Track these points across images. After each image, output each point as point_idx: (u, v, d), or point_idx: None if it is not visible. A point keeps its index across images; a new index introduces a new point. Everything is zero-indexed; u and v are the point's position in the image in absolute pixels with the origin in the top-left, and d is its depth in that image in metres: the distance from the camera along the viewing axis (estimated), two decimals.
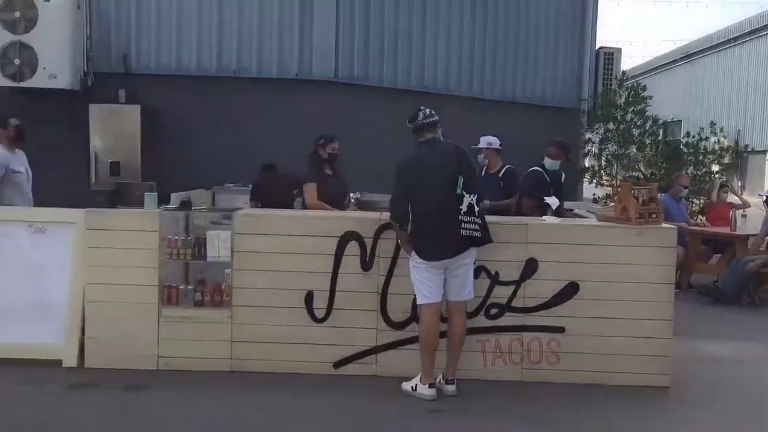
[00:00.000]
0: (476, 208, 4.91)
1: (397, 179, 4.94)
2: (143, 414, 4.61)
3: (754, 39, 24.84)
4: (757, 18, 24.87)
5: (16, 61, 9.12)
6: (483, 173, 7.15)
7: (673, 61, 29.77)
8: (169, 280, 5.61)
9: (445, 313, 5.12)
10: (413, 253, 4.96)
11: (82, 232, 5.46)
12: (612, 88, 12.87)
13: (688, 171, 11.47)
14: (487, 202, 6.01)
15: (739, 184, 21.87)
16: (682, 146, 12.51)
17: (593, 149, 12.62)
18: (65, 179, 9.23)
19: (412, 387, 5.04)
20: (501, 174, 6.91)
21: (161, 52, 10.05)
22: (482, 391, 5.14)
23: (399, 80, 10.91)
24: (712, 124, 13.35)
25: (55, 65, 9.21)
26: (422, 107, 5.12)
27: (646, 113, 12.21)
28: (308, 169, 6.50)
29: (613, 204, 5.85)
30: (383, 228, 5.39)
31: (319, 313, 5.42)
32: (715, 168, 12.76)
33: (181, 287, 5.54)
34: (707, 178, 11.88)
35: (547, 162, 6.80)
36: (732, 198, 9.99)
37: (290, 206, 7.84)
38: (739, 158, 21.56)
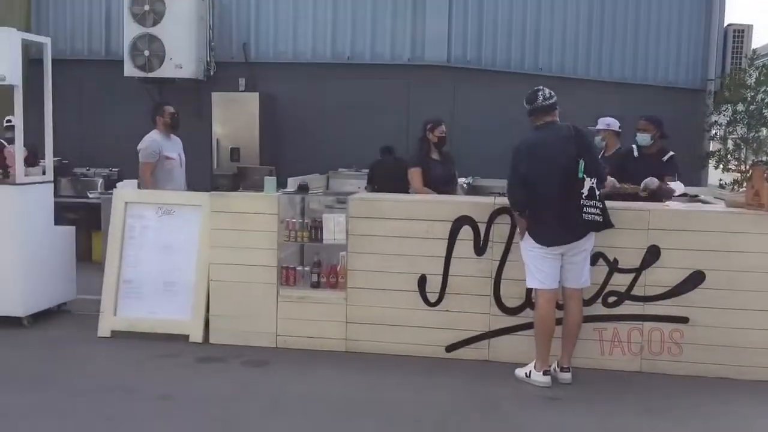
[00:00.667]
0: (597, 192, 4.77)
1: (515, 165, 4.84)
2: (263, 388, 4.80)
3: None
4: None
5: (146, 53, 9.64)
6: (600, 156, 6.86)
7: None
8: (287, 261, 5.79)
9: (561, 300, 5.02)
10: (529, 238, 4.87)
11: (207, 214, 5.73)
12: (741, 68, 12.06)
13: None
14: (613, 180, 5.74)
15: None
16: None
17: (720, 132, 11.89)
18: (190, 164, 9.68)
19: (526, 373, 4.98)
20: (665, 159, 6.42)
21: (278, 41, 10.33)
22: (599, 381, 5.01)
23: (512, 64, 10.71)
24: None
25: (181, 56, 9.68)
26: (541, 88, 4.99)
27: None
28: (415, 153, 6.49)
29: (743, 189, 5.51)
30: (497, 213, 5.34)
31: (432, 297, 5.44)
32: None
33: (298, 268, 5.71)
34: None
35: (639, 138, 6.37)
36: None
37: (406, 190, 7.93)
38: None
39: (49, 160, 6.61)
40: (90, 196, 9.01)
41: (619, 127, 6.77)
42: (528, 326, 5.27)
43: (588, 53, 11.45)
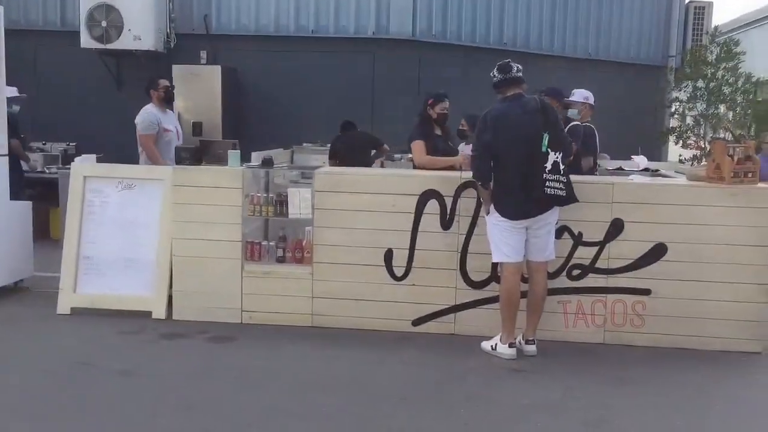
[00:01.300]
0: (561, 166, 4.78)
1: (481, 134, 4.83)
2: (229, 364, 4.75)
3: None
4: None
5: (103, 24, 9.38)
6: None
7: None
8: (251, 236, 5.72)
9: (526, 274, 5.05)
10: (495, 211, 4.87)
11: (169, 189, 5.62)
12: (702, 44, 12.23)
13: None
14: None
15: None
16: None
17: (680, 108, 12.06)
18: None
19: (491, 346, 5.01)
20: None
21: (241, 13, 10.14)
22: (563, 353, 5.07)
23: (478, 38, 10.68)
24: None
25: (140, 27, 9.45)
26: (510, 60, 4.97)
27: (739, 70, 11.57)
28: (416, 127, 6.17)
29: (704, 164, 5.59)
30: (464, 187, 5.33)
31: (399, 271, 5.43)
32: None
33: (263, 243, 5.65)
34: None
35: (570, 113, 6.38)
36: None
37: (368, 165, 7.89)
38: None
39: (2, 134, 6.40)
40: (47, 171, 8.78)
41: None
42: (493, 300, 5.30)
43: (552, 29, 11.50)
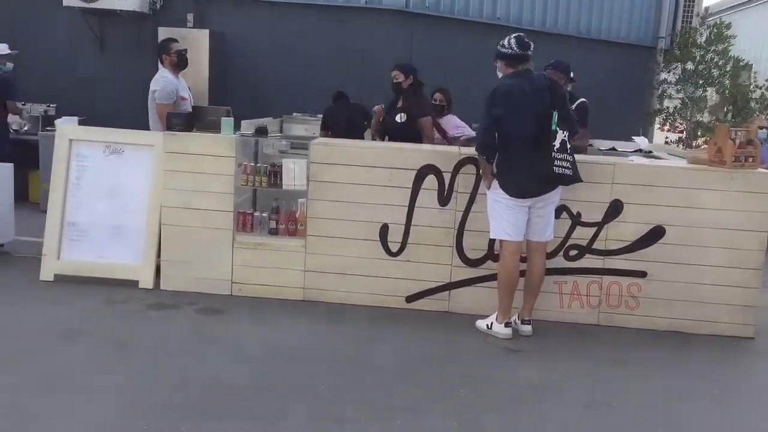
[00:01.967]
0: (568, 145, 4.70)
1: (490, 108, 4.69)
2: (220, 337, 4.64)
3: None
4: None
5: None
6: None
7: None
8: (243, 206, 5.58)
9: (524, 253, 4.98)
10: (498, 189, 4.78)
11: (159, 155, 5.45)
12: (693, 26, 12.20)
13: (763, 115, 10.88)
14: None
15: None
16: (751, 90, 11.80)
17: (669, 90, 12.05)
18: (134, 103, 9.24)
19: (487, 325, 4.96)
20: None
21: None
22: (559, 333, 5.04)
23: (471, 12, 10.51)
24: None
25: None
26: (525, 36, 4.85)
27: (729, 53, 11.56)
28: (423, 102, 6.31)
29: (704, 147, 5.55)
30: (463, 162, 5.23)
31: (394, 247, 5.34)
32: None
33: (255, 214, 5.51)
34: None
35: None
36: None
37: (361, 137, 7.74)
38: None
39: None
40: (21, 130, 8.50)
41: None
42: (489, 278, 5.25)
43: (545, 5, 11.35)
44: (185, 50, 6.50)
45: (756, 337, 5.13)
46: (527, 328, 4.96)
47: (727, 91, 11.43)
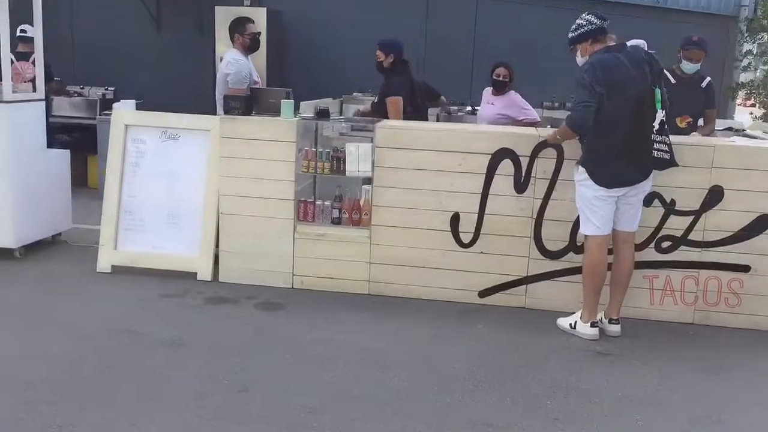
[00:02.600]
0: (666, 126, 4.20)
1: (591, 84, 4.13)
2: (282, 335, 4.34)
3: None
4: None
5: None
6: None
7: None
8: (303, 194, 5.26)
9: (610, 245, 4.51)
10: (587, 178, 4.30)
11: (216, 140, 5.16)
12: None
13: None
14: None
15: None
16: None
17: (754, 63, 11.21)
18: (191, 85, 9.04)
19: (570, 324, 4.52)
20: (704, 86, 5.58)
21: None
22: (649, 333, 4.57)
23: None
24: None
25: None
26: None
27: None
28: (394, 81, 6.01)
29: None
30: (542, 146, 4.78)
31: (466, 238, 4.94)
32: None
33: (317, 203, 5.18)
34: None
35: (687, 67, 5.62)
36: None
37: (424, 118, 7.32)
38: None
39: (39, 75, 5.98)
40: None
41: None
42: (570, 272, 4.83)
43: None
44: (259, 33, 6.20)
45: None
46: (615, 329, 4.50)
47: None
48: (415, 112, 5.99)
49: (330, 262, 5.10)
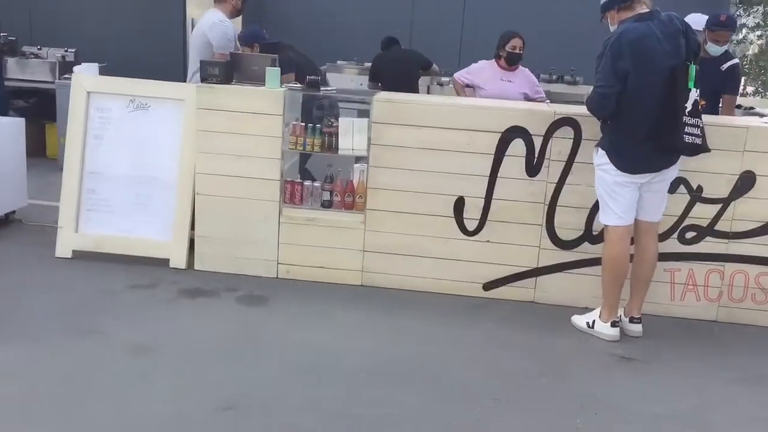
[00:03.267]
0: (700, 107, 3.75)
1: (614, 61, 3.70)
2: (267, 336, 3.84)
3: None
4: None
5: None
6: None
7: None
8: (290, 174, 4.72)
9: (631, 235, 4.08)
10: (609, 163, 3.85)
11: (192, 112, 4.58)
12: None
13: None
14: None
15: None
16: None
17: (749, 36, 10.86)
18: (160, 51, 8.36)
19: (588, 323, 4.10)
20: (725, 69, 5.14)
21: None
22: (673, 333, 4.18)
23: None
24: None
25: None
26: None
27: None
28: None
29: None
30: (557, 124, 4.31)
31: (471, 225, 4.47)
32: None
33: (305, 184, 4.65)
34: None
35: (712, 48, 5.06)
36: None
37: (415, 89, 6.83)
38: None
39: None
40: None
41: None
42: (584, 264, 4.42)
43: None
44: None
45: None
46: (637, 328, 4.09)
47: None
48: None
49: (319, 250, 4.60)
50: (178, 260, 4.69)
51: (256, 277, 4.62)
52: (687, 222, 4.32)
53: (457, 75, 5.51)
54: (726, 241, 4.31)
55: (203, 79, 4.59)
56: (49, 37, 8.40)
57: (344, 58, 8.01)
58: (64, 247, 4.77)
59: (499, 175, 4.40)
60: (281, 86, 4.55)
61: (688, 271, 4.37)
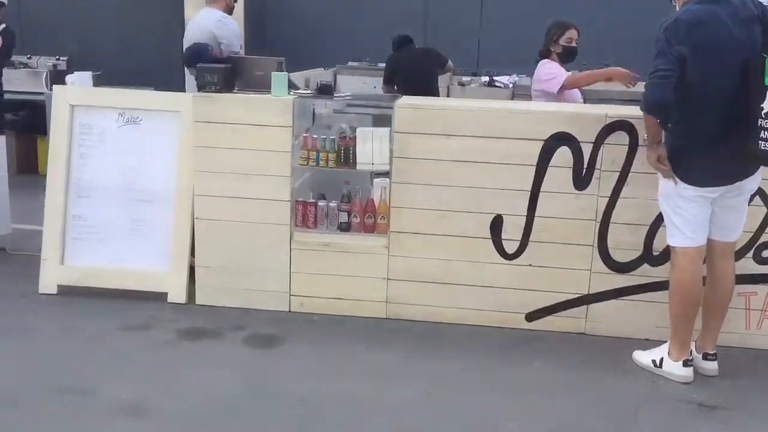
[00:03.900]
0: None
1: (671, 46, 3.13)
2: (282, 390, 3.26)
3: None
4: None
5: None
6: None
7: None
8: (303, 193, 4.16)
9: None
10: (673, 175, 3.28)
11: (189, 125, 4.03)
12: None
13: None
14: None
15: None
16: None
17: None
18: (159, 58, 7.82)
19: (654, 362, 3.51)
20: None
21: None
22: (752, 371, 3.61)
23: None
24: None
25: None
26: None
27: None
28: None
29: None
30: (610, 129, 3.73)
31: (510, 247, 3.90)
32: None
33: (320, 204, 4.08)
34: None
35: None
36: None
37: (435, 91, 6.28)
38: None
39: None
40: None
41: None
42: (643, 289, 3.86)
43: None
44: None
45: None
46: (712, 366, 3.50)
47: None
48: None
49: (337, 279, 4.03)
50: (177, 294, 4.14)
51: (266, 311, 4.06)
52: (763, 239, 3.74)
53: (565, 74, 4.63)
54: None
55: (200, 88, 4.03)
56: (39, 44, 7.90)
57: (356, 59, 7.46)
58: (48, 282, 4.23)
59: (542, 189, 3.83)
60: (289, 93, 3.99)
61: (765, 296, 3.78)
